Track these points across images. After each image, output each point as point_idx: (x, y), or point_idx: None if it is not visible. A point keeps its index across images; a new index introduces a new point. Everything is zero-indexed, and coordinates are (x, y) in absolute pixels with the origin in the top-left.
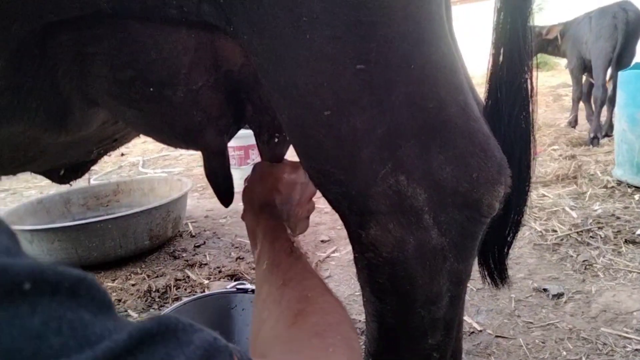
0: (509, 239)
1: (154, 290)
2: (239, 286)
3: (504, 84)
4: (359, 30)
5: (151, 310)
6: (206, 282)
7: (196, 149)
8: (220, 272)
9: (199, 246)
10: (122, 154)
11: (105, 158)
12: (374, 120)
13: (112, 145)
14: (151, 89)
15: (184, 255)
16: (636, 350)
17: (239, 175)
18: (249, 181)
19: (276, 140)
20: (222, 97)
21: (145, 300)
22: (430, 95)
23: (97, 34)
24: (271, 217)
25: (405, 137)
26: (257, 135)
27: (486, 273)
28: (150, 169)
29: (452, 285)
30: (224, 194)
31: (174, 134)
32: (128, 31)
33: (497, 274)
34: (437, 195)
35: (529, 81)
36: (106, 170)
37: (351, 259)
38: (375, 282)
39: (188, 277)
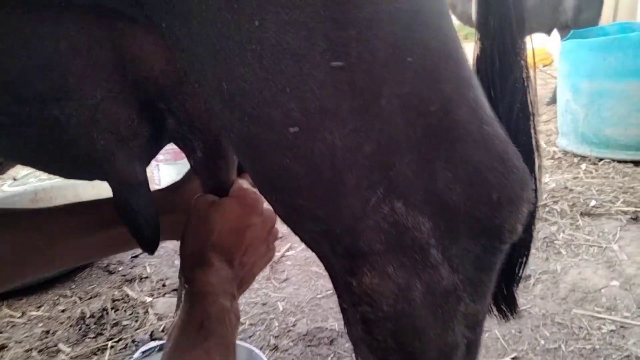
0: (519, 262)
1: (88, 316)
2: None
3: (497, 84)
4: (331, 12)
5: (86, 340)
6: (149, 299)
7: (104, 179)
8: (164, 285)
9: (136, 257)
10: (15, 179)
11: None
12: (359, 134)
13: None
14: (27, 109)
15: (120, 269)
16: (612, 331)
17: (175, 171)
18: (183, 230)
19: (215, 161)
20: (133, 111)
21: (79, 329)
22: (432, 95)
23: None
24: (202, 277)
25: (400, 152)
26: (187, 156)
27: (494, 306)
28: None
29: (468, 330)
30: (146, 239)
31: (67, 167)
32: None
33: (506, 304)
34: (446, 223)
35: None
36: (22, 173)
37: (308, 256)
38: (373, 340)
39: (127, 295)
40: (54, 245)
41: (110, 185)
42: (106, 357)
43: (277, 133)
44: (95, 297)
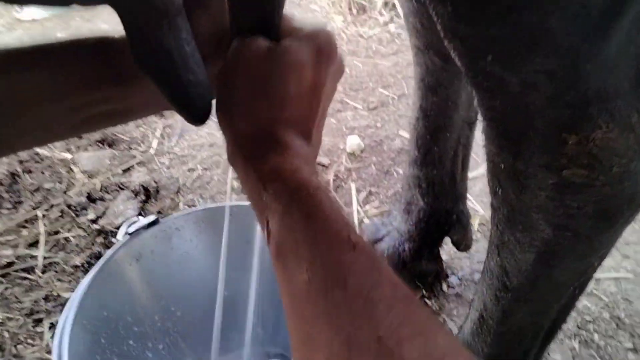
0: None
1: None
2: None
3: None
4: None
5: (3, 212)
6: (69, 156)
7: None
8: (80, 137)
9: None
10: None
11: None
12: None
13: None
14: None
15: None
16: None
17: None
18: (221, 91)
19: None
20: None
21: None
22: None
23: None
24: (288, 166)
25: None
26: None
27: None
28: None
29: None
30: (194, 105)
31: None
32: None
33: None
34: None
35: None
36: None
37: None
38: (562, 207)
39: (37, 154)
40: (21, 116)
41: (126, 16)
42: (41, 229)
43: None
44: None
